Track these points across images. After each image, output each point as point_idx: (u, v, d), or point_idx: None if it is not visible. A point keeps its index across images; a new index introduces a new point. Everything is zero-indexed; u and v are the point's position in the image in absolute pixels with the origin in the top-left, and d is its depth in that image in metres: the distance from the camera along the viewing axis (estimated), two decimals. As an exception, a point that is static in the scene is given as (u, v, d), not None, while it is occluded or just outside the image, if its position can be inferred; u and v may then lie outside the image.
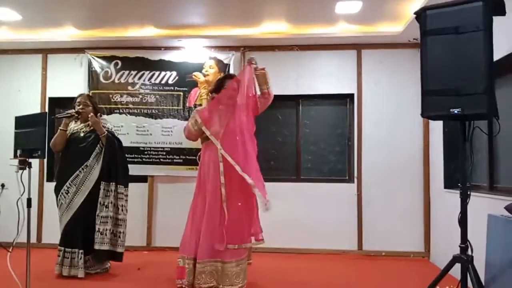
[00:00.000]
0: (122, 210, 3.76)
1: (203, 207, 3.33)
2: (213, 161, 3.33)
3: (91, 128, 3.79)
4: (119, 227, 3.74)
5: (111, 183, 3.72)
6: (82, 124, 3.84)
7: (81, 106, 3.80)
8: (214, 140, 3.33)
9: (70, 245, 3.64)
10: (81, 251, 3.62)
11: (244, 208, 3.31)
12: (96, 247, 3.62)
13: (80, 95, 3.94)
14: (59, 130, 3.77)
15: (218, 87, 3.51)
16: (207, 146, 3.43)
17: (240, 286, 3.23)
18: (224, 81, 3.52)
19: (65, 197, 3.68)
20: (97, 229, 3.62)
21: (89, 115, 3.74)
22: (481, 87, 2.33)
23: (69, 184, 3.68)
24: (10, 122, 3.30)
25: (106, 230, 3.64)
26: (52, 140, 3.79)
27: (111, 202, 3.69)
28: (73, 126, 3.83)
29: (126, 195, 3.82)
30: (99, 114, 3.94)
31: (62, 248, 3.66)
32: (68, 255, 3.63)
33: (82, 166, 3.70)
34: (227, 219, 3.22)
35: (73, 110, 3.79)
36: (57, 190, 3.75)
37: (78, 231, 3.64)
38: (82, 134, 3.79)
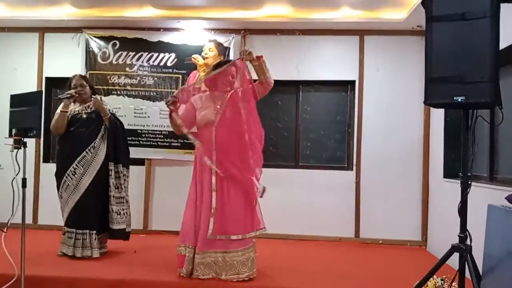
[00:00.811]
0: (127, 191, 3.84)
1: (198, 195, 3.26)
2: (207, 150, 3.22)
3: (92, 109, 3.76)
4: (127, 207, 3.84)
5: (119, 165, 3.76)
6: (81, 106, 3.79)
7: (79, 88, 3.74)
8: (193, 140, 3.27)
9: (82, 226, 3.64)
10: (93, 231, 3.64)
11: (243, 197, 3.21)
12: (115, 227, 3.69)
13: (74, 76, 3.86)
14: (60, 112, 3.68)
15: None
16: (201, 132, 3.30)
17: (247, 275, 3.15)
18: (221, 67, 3.34)
19: (71, 178, 3.65)
20: (114, 210, 3.69)
21: (93, 98, 3.73)
22: (486, 76, 2.28)
23: (76, 165, 3.65)
24: (5, 101, 3.24)
25: (122, 210, 3.73)
26: (53, 122, 3.72)
27: (122, 183, 3.75)
28: (72, 107, 3.78)
29: (128, 177, 3.87)
30: (99, 94, 3.93)
31: (73, 230, 3.64)
32: (80, 236, 3.63)
33: (89, 147, 3.68)
34: (215, 209, 3.14)
35: (73, 91, 3.72)
36: (61, 172, 3.70)
37: (89, 212, 3.66)
38: (84, 116, 3.74)
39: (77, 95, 3.72)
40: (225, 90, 3.32)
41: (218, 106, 3.24)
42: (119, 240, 3.83)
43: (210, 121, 3.21)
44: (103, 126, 3.75)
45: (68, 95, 3.68)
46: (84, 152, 3.67)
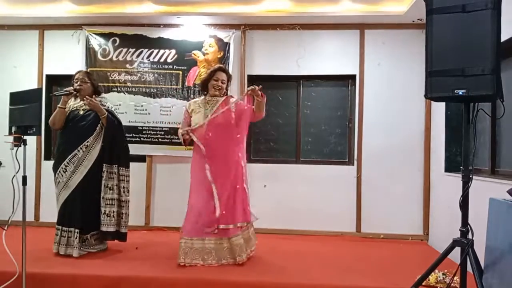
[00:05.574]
0: (124, 192, 3.79)
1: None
2: (197, 147, 3.57)
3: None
4: (122, 208, 3.78)
5: (113, 166, 3.72)
6: (81, 102, 3.76)
7: (78, 83, 3.73)
8: (196, 140, 3.58)
9: (67, 224, 3.63)
10: (77, 230, 3.61)
11: (234, 189, 3.50)
12: (104, 229, 3.67)
13: (78, 71, 3.85)
14: (58, 108, 3.69)
15: (206, 79, 3.66)
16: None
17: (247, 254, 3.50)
18: (213, 73, 3.64)
19: (62, 176, 3.64)
20: (103, 211, 3.66)
21: (85, 98, 3.65)
22: (488, 68, 2.25)
23: (67, 162, 3.64)
24: (6, 99, 3.23)
25: (112, 212, 3.68)
26: (51, 118, 3.73)
27: (116, 185, 3.71)
28: (73, 103, 3.76)
29: (128, 176, 3.83)
30: (99, 92, 3.89)
31: (60, 227, 3.65)
32: (65, 234, 3.63)
33: (81, 145, 3.65)
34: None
35: (71, 88, 3.71)
36: (55, 168, 3.72)
37: (76, 210, 3.63)
38: (81, 112, 3.72)
39: (75, 92, 3.71)
40: (215, 95, 3.64)
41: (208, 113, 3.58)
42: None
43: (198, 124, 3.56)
44: (99, 124, 3.71)
45: (66, 92, 3.66)
46: (76, 150, 3.64)
